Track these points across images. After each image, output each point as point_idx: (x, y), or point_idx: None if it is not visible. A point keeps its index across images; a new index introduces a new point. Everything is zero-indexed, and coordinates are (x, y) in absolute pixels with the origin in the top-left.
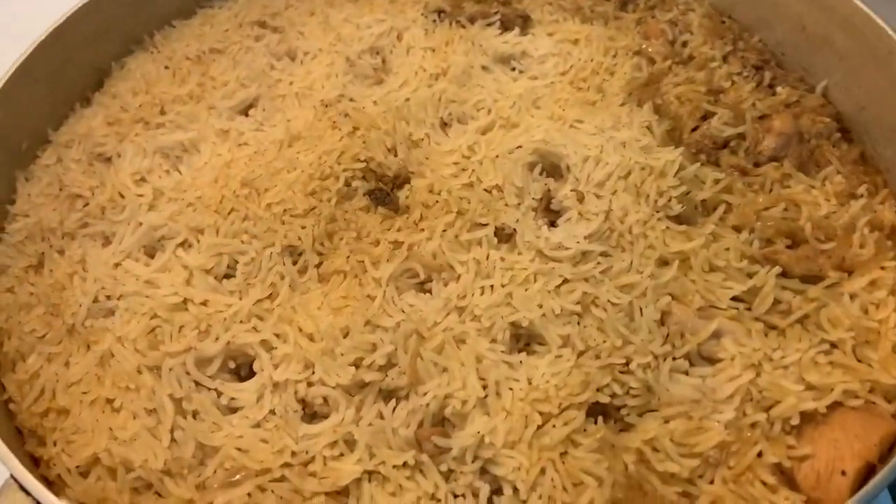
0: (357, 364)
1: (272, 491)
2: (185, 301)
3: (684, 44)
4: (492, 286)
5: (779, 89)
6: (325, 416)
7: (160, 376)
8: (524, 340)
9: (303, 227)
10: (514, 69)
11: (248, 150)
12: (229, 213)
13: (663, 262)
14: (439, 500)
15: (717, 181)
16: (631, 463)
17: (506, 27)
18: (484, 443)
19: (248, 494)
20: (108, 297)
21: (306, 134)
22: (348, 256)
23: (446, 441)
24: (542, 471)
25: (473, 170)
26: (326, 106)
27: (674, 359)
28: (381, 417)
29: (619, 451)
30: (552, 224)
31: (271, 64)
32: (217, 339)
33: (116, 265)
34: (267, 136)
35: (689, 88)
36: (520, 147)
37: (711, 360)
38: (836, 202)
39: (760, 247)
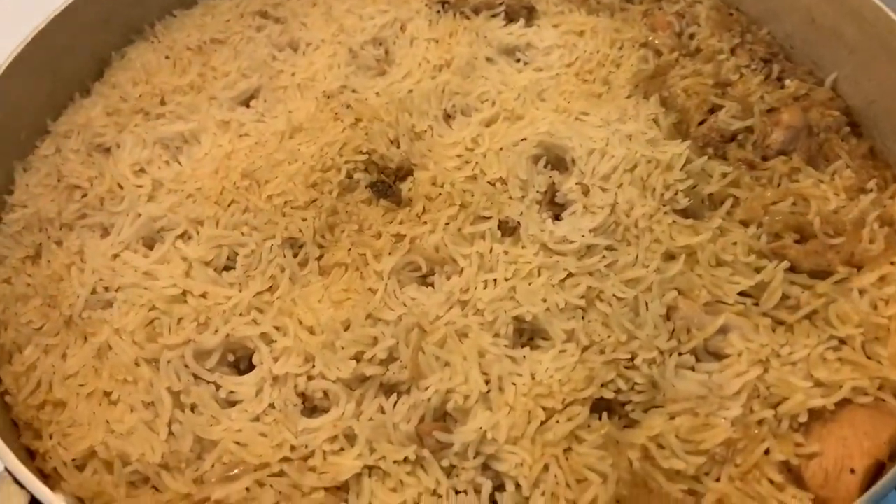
0: (358, 358)
1: (271, 486)
2: (184, 293)
3: (691, 36)
4: (495, 280)
5: (787, 82)
6: (325, 411)
7: (158, 369)
8: (528, 335)
9: (304, 220)
10: (518, 61)
11: (248, 141)
12: (229, 205)
13: (669, 257)
14: (440, 496)
15: (724, 175)
16: (636, 460)
17: (510, 18)
18: (486, 438)
19: (247, 489)
20: (107, 289)
21: (308, 125)
22: (350, 249)
23: (448, 436)
24: (546, 467)
25: (477, 162)
26: (328, 97)
27: (680, 354)
28: (382, 412)
29: (624, 447)
30: (556, 217)
31: (273, 54)
32: (216, 331)
33: (115, 256)
34: (268, 128)
35: (696, 81)
36: (524, 139)
37: (718, 356)
38: (845, 197)
39: (768, 241)
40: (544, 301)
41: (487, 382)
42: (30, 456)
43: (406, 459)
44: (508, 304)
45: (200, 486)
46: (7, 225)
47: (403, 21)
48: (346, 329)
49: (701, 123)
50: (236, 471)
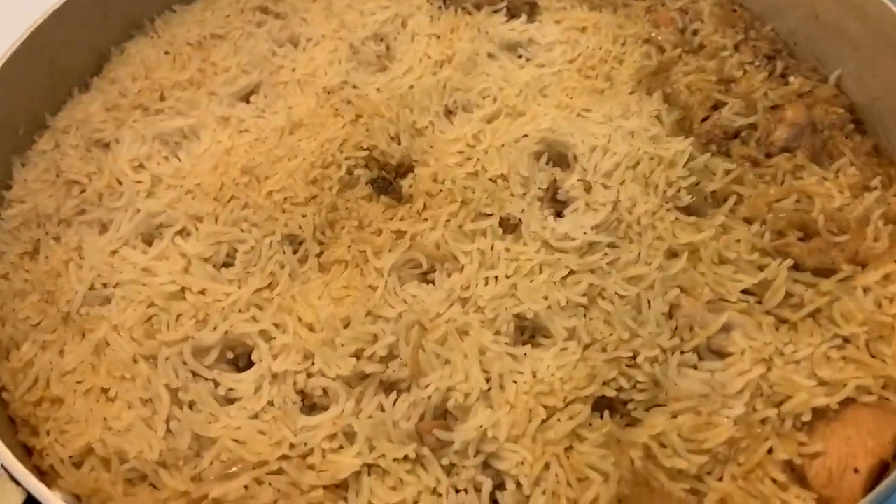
0: (358, 355)
1: (269, 484)
2: (182, 289)
3: (695, 32)
4: (496, 277)
5: (791, 79)
6: (325, 408)
7: (156, 366)
8: (529, 333)
9: (304, 216)
10: (520, 57)
11: (248, 137)
12: (229, 201)
13: (672, 254)
14: (440, 495)
15: (727, 172)
16: (637, 458)
17: (512, 14)
18: (487, 437)
19: (245, 487)
20: (105, 285)
21: (308, 121)
22: (350, 246)
23: (448, 434)
24: (547, 466)
25: (478, 159)
26: (329, 93)
27: (682, 352)
28: (382, 410)
29: (626, 446)
30: (558, 214)
31: (273, 50)
32: (215, 328)
33: (113, 252)
34: (268, 123)
35: (699, 77)
36: (526, 136)
37: (721, 355)
38: (849, 194)
39: (772, 239)
40: (546, 298)
41: (488, 380)
42: (27, 453)
43: (406, 458)
44: (509, 302)
45: (198, 483)
46: (5, 220)
47: (405, 16)
48: (346, 326)
49: (704, 120)
50: (235, 469)
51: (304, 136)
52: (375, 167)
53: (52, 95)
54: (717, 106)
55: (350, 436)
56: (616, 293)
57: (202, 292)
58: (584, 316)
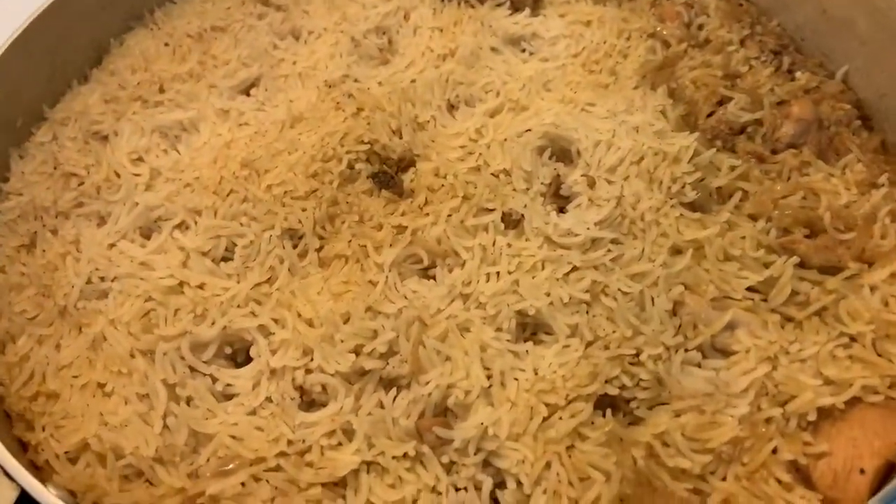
0: (357, 351)
1: (267, 481)
2: (180, 284)
3: (700, 27)
4: (498, 273)
5: (798, 74)
6: (324, 405)
7: (154, 361)
8: (531, 329)
9: (304, 210)
10: (524, 51)
11: (248, 130)
12: (228, 195)
13: (676, 251)
14: (440, 493)
15: (733, 168)
16: (640, 458)
17: (516, 7)
18: (487, 434)
19: (242, 484)
20: (102, 279)
21: (309, 115)
22: (350, 240)
23: (448, 432)
24: (548, 464)
25: (481, 153)
26: (330, 86)
27: (686, 350)
28: (381, 406)
29: (628, 445)
30: (561, 210)
31: (274, 43)
32: (213, 323)
33: (111, 246)
34: (268, 117)
35: (704, 72)
36: (529, 130)
37: (725, 353)
38: (856, 191)
39: (777, 236)
40: (548, 295)
41: (489, 377)
42: (22, 448)
43: (405, 455)
44: (511, 298)
45: (195, 480)
46: (2, 213)
47: (407, 9)
48: (346, 322)
49: (709, 115)
50: (232, 465)
51: (305, 130)
52: (376, 161)
53: (50, 87)
54: (722, 101)
55: (349, 433)
56: (619, 290)
57: (200, 287)
58: (587, 313)
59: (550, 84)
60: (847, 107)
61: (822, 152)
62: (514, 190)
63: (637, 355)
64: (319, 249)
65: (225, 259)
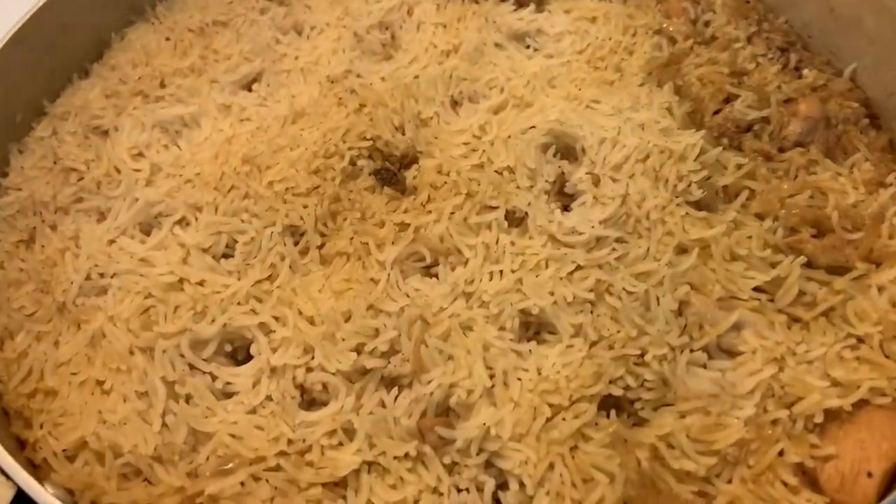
0: (358, 350)
1: (266, 480)
2: (180, 280)
3: (707, 23)
4: (501, 271)
5: (805, 72)
6: (324, 404)
7: (153, 358)
8: (534, 329)
9: (305, 207)
10: (528, 47)
11: (250, 125)
12: (229, 191)
13: (682, 250)
14: (442, 494)
15: (739, 166)
16: (644, 459)
17: (521, 3)
18: (490, 435)
19: (242, 483)
20: (101, 275)
21: (311, 110)
22: (352, 238)
23: (450, 432)
24: (551, 465)
25: (484, 150)
26: (332, 82)
27: (691, 351)
28: (383, 406)
29: (632, 446)
30: (566, 208)
31: (276, 38)
32: (213, 320)
33: (110, 242)
34: (270, 112)
35: (711, 69)
36: (533, 127)
37: (731, 353)
38: (864, 190)
39: (784, 235)
40: (552, 294)
41: (492, 377)
42: (20, 445)
43: (407, 455)
44: (515, 297)
45: (194, 479)
46: (1, 208)
47: (410, 5)
48: (347, 320)
49: (716, 113)
50: (231, 464)
51: (307, 126)
52: (379, 158)
53: (50, 81)
54: (729, 99)
55: (350, 432)
56: (624, 289)
57: (201, 283)
58: (591, 312)
59: (555, 81)
60: (855, 105)
61: (829, 151)
62: (518, 187)
63: (642, 356)
64: (321, 247)
65: (225, 256)
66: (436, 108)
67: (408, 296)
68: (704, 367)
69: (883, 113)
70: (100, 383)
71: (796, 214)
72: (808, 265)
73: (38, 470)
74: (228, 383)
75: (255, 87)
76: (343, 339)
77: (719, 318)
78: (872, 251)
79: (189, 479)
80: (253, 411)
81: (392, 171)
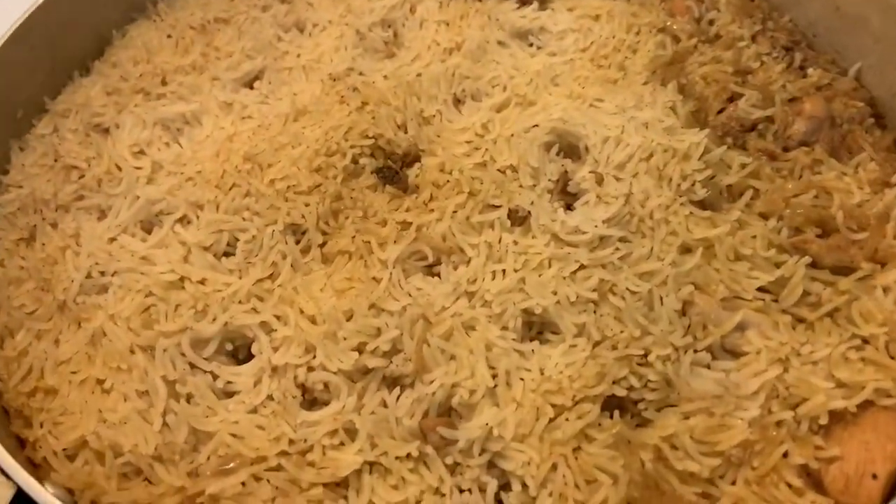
0: (360, 349)
1: (268, 480)
2: (181, 279)
3: (711, 22)
4: (504, 271)
5: (810, 71)
6: (326, 403)
7: (153, 357)
8: (537, 328)
9: (307, 205)
10: (531, 45)
11: (251, 123)
12: (230, 189)
13: (686, 250)
14: (444, 495)
15: (743, 165)
16: (648, 460)
17: (524, 1)
18: (492, 435)
19: (243, 483)
20: (102, 273)
21: (313, 108)
22: (354, 236)
23: (452, 432)
24: (554, 466)
25: (487, 149)
26: (334, 80)
27: (695, 351)
28: (385, 406)
29: (636, 447)
30: (569, 207)
31: (278, 35)
32: (214, 319)
33: (111, 240)
34: (272, 110)
35: (715, 68)
36: (536, 126)
37: (735, 354)
38: (869, 190)
39: (789, 235)
40: (555, 293)
41: (494, 377)
42: (20, 444)
43: (408, 456)
44: (517, 296)
45: (195, 479)
46: (1, 205)
47: (413, 2)
48: (349, 319)
49: (720, 112)
50: (232, 464)
51: (309, 124)
52: (381, 156)
53: (51, 78)
54: (733, 98)
55: (351, 432)
56: (627, 289)
57: (202, 282)
58: (595, 312)
59: (558, 79)
60: (860, 104)
61: (834, 150)
62: (521, 186)
63: (645, 356)
64: (323, 245)
65: (227, 254)
66: (438, 107)
67: (410, 295)
68: (708, 367)
69: (888, 112)
70: (100, 382)
71: (801, 214)
72: (813, 265)
73: (37, 469)
74: (229, 382)
75: (256, 84)
76: (345, 339)
77: (723, 319)
78: (877, 251)
79: (190, 478)
80: (254, 411)
81: (394, 170)
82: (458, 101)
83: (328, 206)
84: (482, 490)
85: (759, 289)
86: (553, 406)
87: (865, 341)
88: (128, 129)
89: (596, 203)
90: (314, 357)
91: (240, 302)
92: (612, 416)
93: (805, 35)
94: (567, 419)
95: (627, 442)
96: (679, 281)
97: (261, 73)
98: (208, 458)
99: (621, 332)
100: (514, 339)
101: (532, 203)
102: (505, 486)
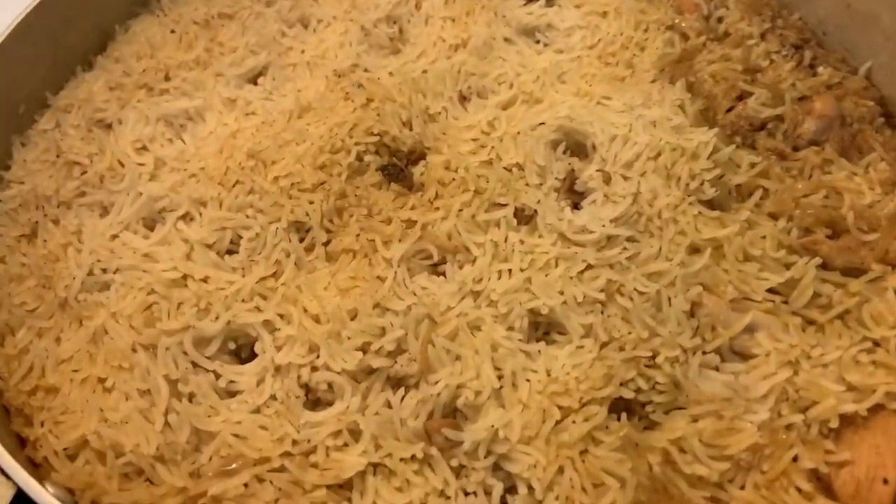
0: (364, 349)
1: (270, 482)
2: (184, 277)
3: (720, 19)
4: (510, 270)
5: (820, 70)
6: (330, 404)
7: (156, 356)
8: (543, 329)
9: (311, 203)
10: (538, 42)
11: (255, 120)
12: (234, 186)
13: (694, 250)
14: (449, 498)
15: (753, 165)
16: (656, 464)
17: None
18: (498, 437)
19: (245, 485)
20: (104, 271)
21: (317, 105)
22: (358, 235)
23: (458, 434)
24: (560, 469)
25: (493, 147)
26: (339, 76)
27: (704, 353)
28: (389, 406)
29: (644, 450)
30: (576, 206)
31: (282, 31)
32: (217, 317)
33: (113, 237)
34: (276, 106)
35: (724, 66)
36: (543, 124)
37: (745, 356)
38: (879, 190)
39: (799, 236)
40: (561, 293)
41: (500, 378)
42: (20, 443)
43: (413, 457)
44: (524, 296)
45: (197, 480)
46: (2, 202)
47: None
48: (353, 318)
49: (729, 111)
50: (235, 465)
51: (313, 120)
52: (386, 153)
53: (53, 73)
54: (742, 96)
55: (355, 433)
56: (635, 289)
57: (204, 280)
58: (602, 313)
59: (565, 76)
60: (870, 104)
61: (844, 150)
62: (528, 185)
63: (653, 357)
64: (327, 243)
65: (230, 252)
66: (444, 104)
67: (415, 294)
68: (717, 369)
69: None
70: (101, 381)
71: (811, 214)
72: (823, 266)
73: (38, 469)
74: (232, 382)
75: (260, 80)
76: (349, 338)
77: (732, 320)
78: (888, 253)
79: (192, 479)
80: (257, 411)
81: (399, 167)
82: (463, 99)
83: (332, 204)
84: (488, 493)
85: (769, 290)
86: (560, 408)
87: (876, 344)
88: (130, 124)
89: (603, 202)
90: (318, 357)
91: (243, 300)
92: (619, 419)
93: (815, 33)
94: (574, 421)
95: (635, 445)
96: (687, 281)
97: (265, 69)
98: (210, 459)
99: (629, 333)
100: (520, 340)
101: (538, 202)
102: (511, 489)
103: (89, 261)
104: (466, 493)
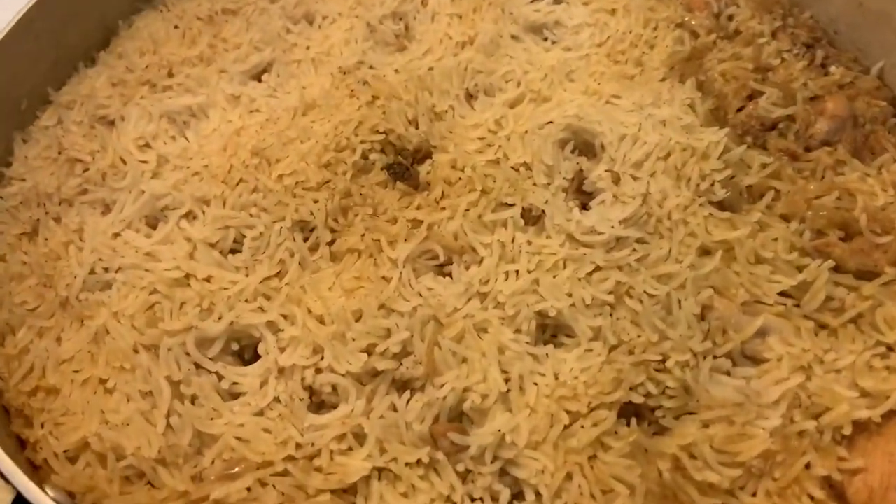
0: (369, 351)
1: (273, 486)
2: (187, 276)
3: (730, 17)
4: (517, 271)
5: (832, 69)
6: (334, 406)
7: (158, 356)
8: (551, 331)
9: (315, 202)
10: (546, 39)
11: (259, 117)
12: (237, 184)
13: (705, 252)
14: (455, 503)
15: (764, 165)
16: (666, 470)
17: None
18: (505, 442)
19: (248, 489)
20: (106, 270)
21: (322, 102)
22: (363, 234)
23: (464, 438)
24: (569, 475)
25: (500, 145)
26: (344, 73)
27: (715, 357)
28: (394, 410)
29: (653, 456)
30: (584, 206)
31: (287, 27)
32: (220, 318)
33: (115, 235)
34: (280, 104)
35: (734, 65)
36: (551, 122)
37: (756, 361)
38: (893, 192)
39: (811, 238)
40: (569, 296)
41: (507, 381)
42: (20, 445)
43: (419, 462)
44: (531, 298)
45: (199, 483)
46: (3, 199)
47: None
48: (358, 320)
49: (739, 110)
50: (237, 469)
51: (318, 118)
52: (392, 152)
53: (56, 69)
54: (753, 95)
55: (360, 437)
56: (645, 292)
57: (207, 279)
58: (611, 315)
59: (573, 74)
60: (883, 104)
61: (857, 151)
62: (535, 184)
63: (663, 361)
64: (331, 243)
65: (233, 251)
66: (450, 102)
67: (420, 295)
68: (728, 374)
69: None
70: (103, 382)
71: (823, 216)
72: (836, 269)
73: (38, 471)
74: (235, 383)
75: (264, 77)
76: (353, 340)
77: (744, 324)
78: None
79: (194, 483)
80: (260, 413)
81: (405, 166)
82: (470, 97)
83: (337, 203)
84: (494, 499)
85: (781, 293)
86: (568, 412)
87: (890, 349)
88: (133, 121)
89: (612, 203)
90: (322, 358)
91: (246, 300)
92: (628, 424)
93: (826, 32)
94: (582, 426)
95: (644, 451)
96: (698, 284)
97: (269, 66)
98: (213, 462)
99: (638, 336)
100: (527, 343)
101: (546, 202)
102: (518, 496)
103: (91, 259)
104: (473, 499)
